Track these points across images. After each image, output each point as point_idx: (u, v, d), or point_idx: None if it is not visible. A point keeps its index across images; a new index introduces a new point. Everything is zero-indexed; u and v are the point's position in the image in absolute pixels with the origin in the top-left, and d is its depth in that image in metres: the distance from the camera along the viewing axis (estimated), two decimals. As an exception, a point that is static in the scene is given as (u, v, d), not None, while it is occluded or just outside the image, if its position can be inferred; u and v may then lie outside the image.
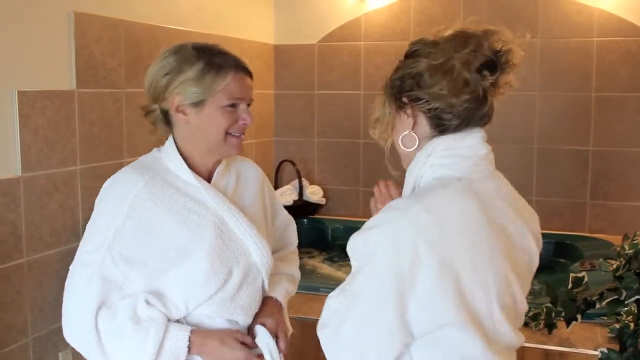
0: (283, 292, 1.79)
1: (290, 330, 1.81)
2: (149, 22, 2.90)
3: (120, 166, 1.68)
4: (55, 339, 2.38)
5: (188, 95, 1.55)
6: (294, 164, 4.10)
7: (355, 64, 4.04)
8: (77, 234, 2.47)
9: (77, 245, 1.54)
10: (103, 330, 1.50)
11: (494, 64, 1.29)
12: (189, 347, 1.52)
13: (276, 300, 1.75)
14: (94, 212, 1.60)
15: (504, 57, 1.31)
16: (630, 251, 2.12)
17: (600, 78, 3.63)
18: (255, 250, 1.62)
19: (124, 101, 2.73)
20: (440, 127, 1.30)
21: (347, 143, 4.09)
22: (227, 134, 1.57)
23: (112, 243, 1.52)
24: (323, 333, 1.33)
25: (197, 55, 1.59)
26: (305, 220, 4.05)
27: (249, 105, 1.61)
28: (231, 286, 1.58)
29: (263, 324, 1.67)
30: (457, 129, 1.30)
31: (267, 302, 1.73)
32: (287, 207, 3.87)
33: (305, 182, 4.09)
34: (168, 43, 3.04)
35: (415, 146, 1.33)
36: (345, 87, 4.08)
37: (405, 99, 1.32)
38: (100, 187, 1.64)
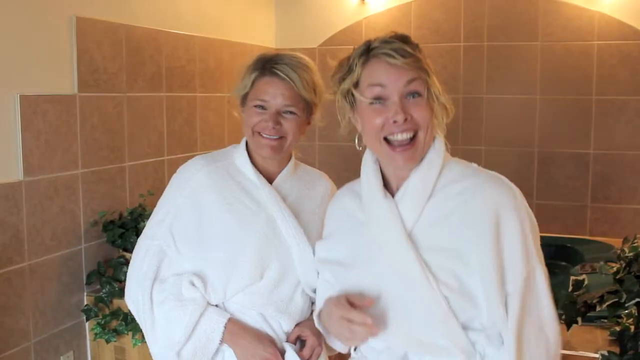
0: None
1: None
2: (150, 27, 2.91)
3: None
4: (56, 342, 2.38)
5: (236, 93, 1.67)
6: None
7: (356, 68, 4.05)
8: (78, 238, 2.48)
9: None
10: (155, 299, 1.60)
11: None
12: (224, 333, 1.57)
13: None
14: (165, 189, 1.71)
15: None
16: (631, 254, 2.12)
17: (601, 81, 3.64)
18: (297, 253, 1.65)
19: (125, 105, 2.74)
20: None
21: (347, 146, 4.07)
22: (255, 132, 1.62)
23: (172, 220, 1.63)
24: None
25: (255, 59, 1.66)
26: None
27: (287, 112, 1.62)
28: (268, 281, 1.62)
29: (306, 340, 1.67)
30: None
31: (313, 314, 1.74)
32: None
33: (306, 185, 4.09)
34: (169, 47, 3.06)
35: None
36: (346, 90, 4.07)
37: (444, 99, 1.37)
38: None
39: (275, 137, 1.62)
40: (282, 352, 1.63)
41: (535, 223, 1.34)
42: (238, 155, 1.70)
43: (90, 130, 2.55)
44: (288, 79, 1.63)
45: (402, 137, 1.34)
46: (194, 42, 3.25)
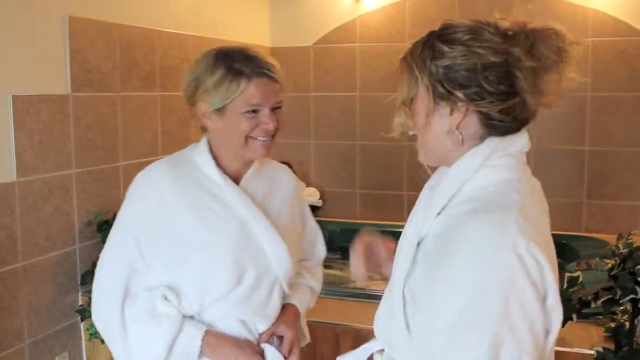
0: (304, 301, 1.80)
1: (308, 339, 1.83)
2: (144, 26, 2.91)
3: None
4: (51, 343, 2.38)
5: (210, 102, 1.57)
6: (290, 166, 4.08)
7: (351, 66, 4.05)
8: (72, 238, 2.47)
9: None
10: (128, 317, 1.55)
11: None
12: (202, 347, 1.54)
13: (296, 308, 1.75)
14: (125, 200, 1.64)
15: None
16: (625, 250, 2.12)
17: (596, 78, 3.64)
18: (273, 254, 1.63)
19: (119, 105, 2.73)
20: (493, 127, 1.17)
21: (343, 145, 4.09)
22: (249, 137, 1.58)
23: (138, 232, 1.56)
24: None
25: (219, 61, 1.59)
26: (303, 222, 4.05)
27: (276, 108, 1.60)
28: (245, 286, 1.59)
29: (282, 336, 1.67)
30: (511, 130, 1.20)
31: (287, 309, 1.73)
32: (283, 210, 3.90)
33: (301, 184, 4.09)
34: (163, 46, 3.06)
35: (460, 144, 1.17)
36: (341, 89, 4.08)
37: (460, 94, 1.14)
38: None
39: (271, 136, 1.60)
40: (261, 353, 1.63)
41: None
42: (200, 157, 1.64)
43: (84, 130, 2.54)
44: (276, 78, 1.61)
45: None
46: (188, 41, 3.24)
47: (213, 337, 1.56)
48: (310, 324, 1.88)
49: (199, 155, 1.65)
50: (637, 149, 3.61)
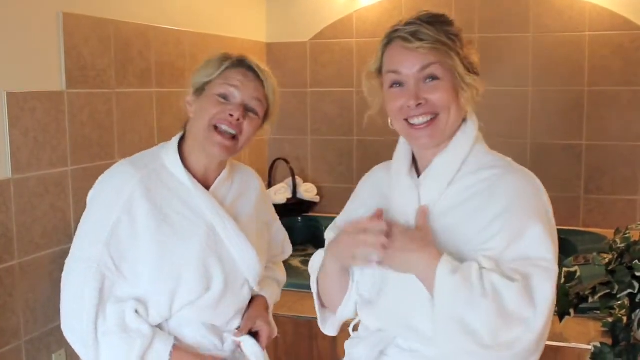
0: (274, 295, 1.80)
1: (276, 331, 1.82)
2: (139, 22, 2.89)
3: (111, 166, 1.67)
4: (48, 340, 2.37)
5: (194, 83, 1.58)
6: (287, 162, 4.09)
7: (348, 62, 4.04)
8: (69, 236, 2.46)
9: (69, 247, 1.54)
10: (100, 330, 1.50)
11: None
12: None
13: (267, 302, 1.75)
14: (88, 206, 1.58)
15: None
16: (622, 245, 2.12)
17: (593, 72, 3.63)
18: (242, 259, 1.61)
19: (114, 101, 2.72)
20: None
21: (340, 140, 4.08)
22: (213, 127, 1.55)
23: (109, 238, 1.51)
24: None
25: (226, 56, 1.61)
26: (299, 218, 4.05)
27: (250, 111, 1.58)
28: (214, 293, 1.57)
29: (260, 331, 1.67)
30: None
31: (259, 303, 1.73)
32: (280, 206, 3.92)
33: (299, 180, 4.08)
34: (159, 43, 3.04)
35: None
36: (338, 84, 4.07)
37: (470, 79, 1.38)
38: (91, 188, 1.63)
39: (231, 133, 1.55)
40: (237, 346, 1.62)
41: (554, 229, 1.35)
42: (169, 158, 1.60)
43: (80, 127, 2.53)
44: (262, 77, 1.60)
45: (419, 120, 1.36)
46: (184, 38, 3.23)
47: (180, 352, 1.54)
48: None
49: (168, 155, 1.61)
50: (634, 143, 3.61)
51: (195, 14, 3.37)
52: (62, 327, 1.55)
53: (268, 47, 4.17)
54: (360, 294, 1.43)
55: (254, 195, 1.76)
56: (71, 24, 2.48)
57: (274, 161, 4.18)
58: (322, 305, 1.53)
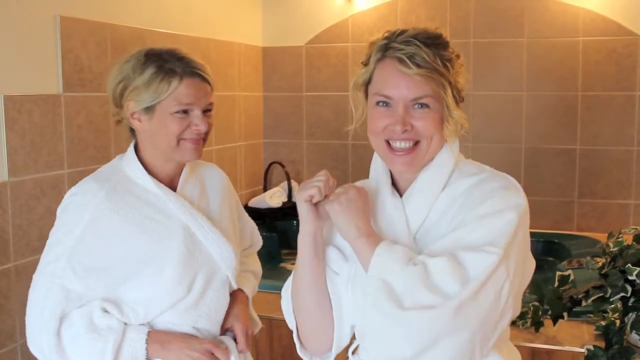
0: (251, 287, 1.80)
1: (259, 324, 1.84)
2: (136, 26, 2.90)
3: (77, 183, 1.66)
4: (44, 343, 2.37)
5: (139, 101, 1.53)
6: (283, 166, 4.10)
7: (343, 66, 4.05)
8: (65, 238, 2.46)
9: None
10: (65, 340, 1.49)
11: None
12: (148, 348, 1.51)
13: (245, 295, 1.76)
14: (55, 222, 1.59)
15: None
16: (615, 249, 2.14)
17: (587, 77, 3.66)
18: (219, 255, 1.62)
19: (111, 105, 2.73)
20: None
21: (335, 144, 4.10)
22: (180, 139, 1.55)
23: (72, 253, 1.51)
24: None
25: (149, 61, 1.56)
26: (295, 222, 4.05)
27: (207, 111, 1.57)
28: (194, 293, 1.58)
29: (234, 330, 1.67)
30: None
31: (238, 298, 1.73)
32: (276, 209, 3.92)
33: (294, 183, 4.09)
34: (155, 46, 3.04)
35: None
36: (333, 88, 4.08)
37: (457, 114, 1.35)
38: (60, 202, 1.63)
39: (202, 138, 1.56)
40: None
41: (526, 228, 1.33)
42: (131, 167, 1.59)
43: (76, 130, 2.54)
44: (208, 79, 1.57)
45: (400, 145, 1.34)
46: (180, 41, 3.24)
47: (158, 335, 1.54)
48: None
49: (128, 163, 1.60)
50: (628, 147, 3.63)
51: (191, 17, 3.38)
52: (28, 343, 1.54)
53: (264, 51, 4.19)
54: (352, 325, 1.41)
55: (220, 189, 1.76)
56: (68, 27, 2.48)
57: (270, 165, 4.18)
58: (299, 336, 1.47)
